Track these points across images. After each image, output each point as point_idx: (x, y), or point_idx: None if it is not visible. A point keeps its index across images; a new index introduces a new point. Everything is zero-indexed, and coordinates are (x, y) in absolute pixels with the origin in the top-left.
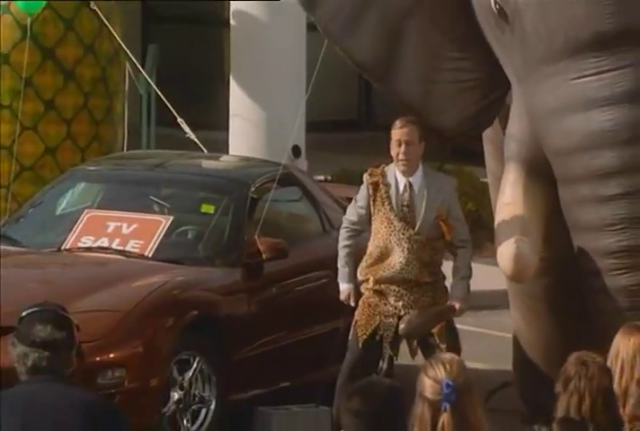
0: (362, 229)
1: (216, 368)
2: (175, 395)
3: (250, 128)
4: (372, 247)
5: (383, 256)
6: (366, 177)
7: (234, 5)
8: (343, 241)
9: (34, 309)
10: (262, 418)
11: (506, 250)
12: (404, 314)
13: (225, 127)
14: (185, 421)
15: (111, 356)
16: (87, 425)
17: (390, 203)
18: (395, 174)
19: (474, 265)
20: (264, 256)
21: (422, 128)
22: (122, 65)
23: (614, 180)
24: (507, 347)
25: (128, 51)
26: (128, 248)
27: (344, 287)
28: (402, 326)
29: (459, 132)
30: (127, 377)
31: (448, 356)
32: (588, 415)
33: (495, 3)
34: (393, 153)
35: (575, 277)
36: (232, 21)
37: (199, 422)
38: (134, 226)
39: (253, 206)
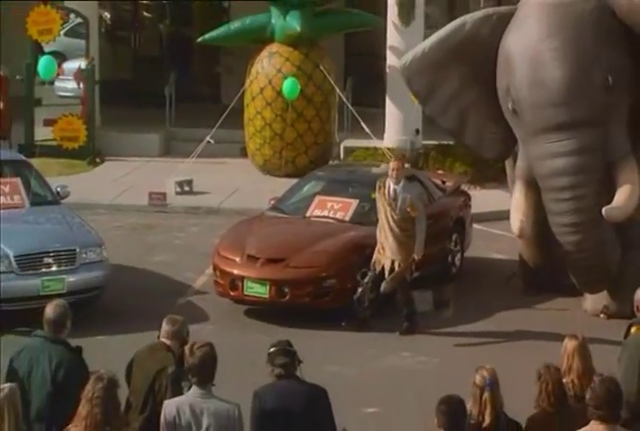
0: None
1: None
2: (359, 289)
3: (395, 120)
4: (379, 222)
5: (383, 227)
6: (377, 184)
7: (389, 59)
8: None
9: (275, 348)
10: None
11: (515, 224)
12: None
13: (381, 105)
14: (365, 301)
15: (330, 273)
16: (308, 400)
17: (386, 197)
18: (390, 183)
19: (501, 193)
20: None
21: (404, 163)
22: (334, 94)
23: (566, 191)
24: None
25: (337, 89)
26: (337, 216)
27: None
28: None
29: (495, 158)
30: (336, 283)
31: (489, 366)
32: (551, 392)
33: (512, 106)
34: (389, 172)
35: (548, 234)
36: (387, 69)
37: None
38: (340, 205)
39: None
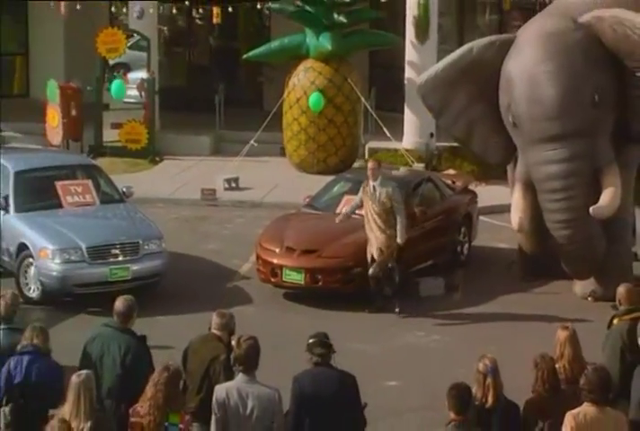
0: (360, 203)
1: (398, 261)
2: (381, 274)
3: (412, 125)
4: (365, 217)
5: (368, 221)
6: (363, 184)
7: (407, 73)
8: (354, 204)
9: (314, 339)
10: (418, 282)
11: (515, 220)
12: (377, 244)
13: (401, 110)
14: (388, 284)
15: (356, 262)
16: (340, 385)
17: (368, 191)
18: (370, 181)
19: (503, 189)
20: (417, 214)
21: (380, 164)
22: (360, 103)
23: (559, 192)
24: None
25: (362, 98)
26: (362, 213)
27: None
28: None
29: (498, 163)
30: (361, 271)
31: (490, 355)
32: (545, 378)
33: (512, 119)
34: (367, 172)
35: (543, 229)
36: (406, 81)
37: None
38: None
39: (415, 191)
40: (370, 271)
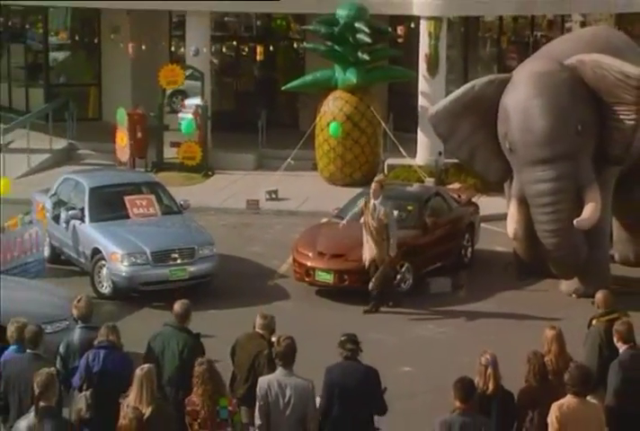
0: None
1: (412, 263)
2: (398, 276)
3: (424, 145)
4: (363, 230)
5: (365, 234)
6: (364, 201)
7: (420, 101)
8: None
9: (345, 337)
10: (428, 281)
11: (510, 229)
12: (370, 254)
13: (415, 132)
14: (403, 283)
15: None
16: (365, 377)
17: (369, 209)
18: (372, 200)
19: (501, 200)
20: (429, 224)
21: (382, 185)
22: (381, 126)
23: (548, 206)
24: None
25: (383, 123)
26: None
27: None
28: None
29: (496, 181)
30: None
31: (490, 351)
32: (537, 372)
33: (508, 145)
34: (370, 191)
35: (535, 237)
36: (419, 108)
37: (407, 283)
38: None
39: (426, 204)
40: (370, 286)
